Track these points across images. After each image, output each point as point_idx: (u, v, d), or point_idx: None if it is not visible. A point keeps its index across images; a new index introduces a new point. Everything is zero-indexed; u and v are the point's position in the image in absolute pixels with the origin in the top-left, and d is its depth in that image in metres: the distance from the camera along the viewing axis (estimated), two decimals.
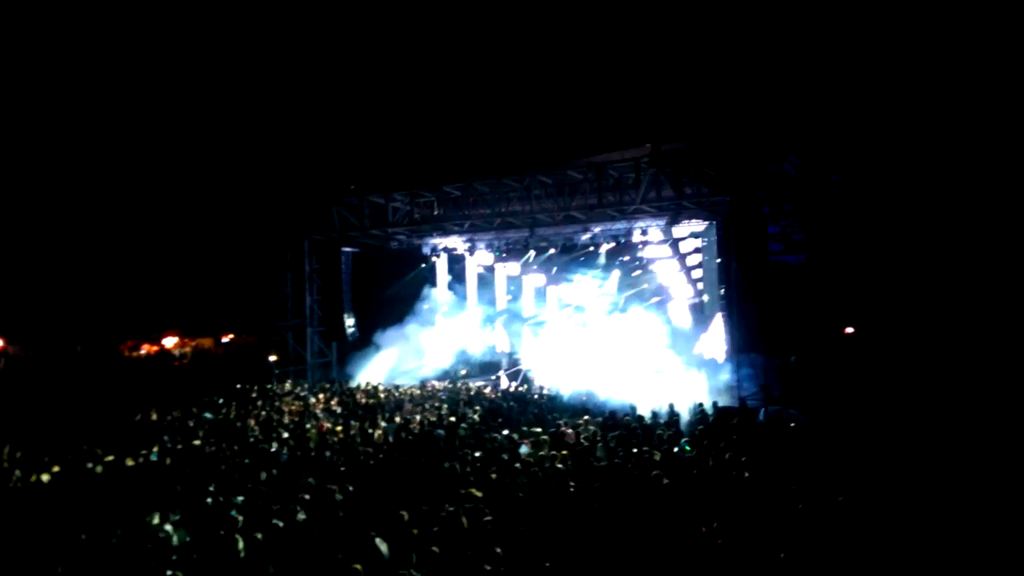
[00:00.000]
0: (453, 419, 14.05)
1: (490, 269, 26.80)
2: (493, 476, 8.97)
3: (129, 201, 29.08)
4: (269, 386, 21.17)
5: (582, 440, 11.64)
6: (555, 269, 26.08)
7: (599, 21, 20.17)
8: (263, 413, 16.10)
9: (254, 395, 19.27)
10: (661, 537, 7.01)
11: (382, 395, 18.86)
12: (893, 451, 10.52)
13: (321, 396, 18.73)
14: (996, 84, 15.56)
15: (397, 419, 14.73)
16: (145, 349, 40.54)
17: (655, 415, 14.60)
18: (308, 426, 14.18)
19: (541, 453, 10.43)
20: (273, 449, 12.03)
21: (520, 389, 20.00)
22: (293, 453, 11.72)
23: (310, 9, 21.10)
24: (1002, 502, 8.00)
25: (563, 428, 12.68)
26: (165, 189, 28.35)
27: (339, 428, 13.85)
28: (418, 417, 14.96)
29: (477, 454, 10.35)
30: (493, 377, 22.92)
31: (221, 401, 17.62)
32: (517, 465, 9.47)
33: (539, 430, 12.37)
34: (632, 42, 19.89)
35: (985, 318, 16.14)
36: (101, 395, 20.53)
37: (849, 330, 18.62)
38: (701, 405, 15.39)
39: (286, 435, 13.19)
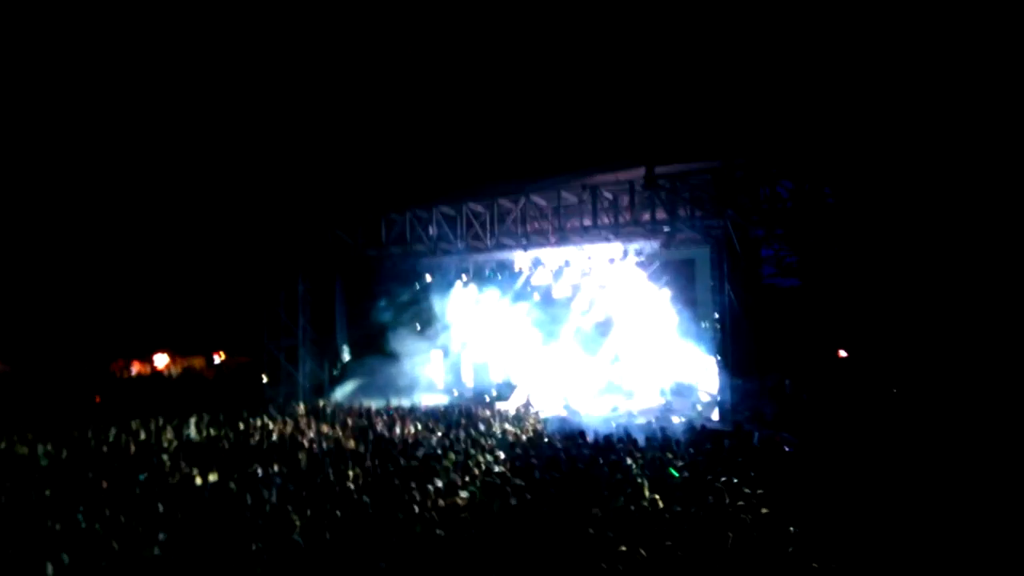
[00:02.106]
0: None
1: (484, 288, 26.76)
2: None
3: (122, 219, 28.98)
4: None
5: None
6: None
7: (594, 44, 20.39)
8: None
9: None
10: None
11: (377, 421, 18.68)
12: (888, 474, 10.45)
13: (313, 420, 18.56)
14: (989, 108, 15.72)
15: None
16: (136, 368, 40.16)
17: (649, 439, 14.48)
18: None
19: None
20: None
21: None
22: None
23: (306, 32, 21.28)
24: (998, 526, 7.94)
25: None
26: (159, 208, 28.29)
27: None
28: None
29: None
30: (496, 405, 22.49)
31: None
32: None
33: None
34: (627, 64, 20.09)
35: (980, 341, 16.13)
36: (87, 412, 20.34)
37: (843, 353, 18.60)
38: (693, 427, 15.29)
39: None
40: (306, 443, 14.75)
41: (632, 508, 8.58)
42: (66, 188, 27.82)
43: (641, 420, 18.64)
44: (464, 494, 9.43)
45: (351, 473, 11.23)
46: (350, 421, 18.07)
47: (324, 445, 14.40)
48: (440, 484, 9.94)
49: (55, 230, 29.46)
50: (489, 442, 14.05)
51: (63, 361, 34.36)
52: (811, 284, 17.80)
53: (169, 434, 16.13)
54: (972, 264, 16.31)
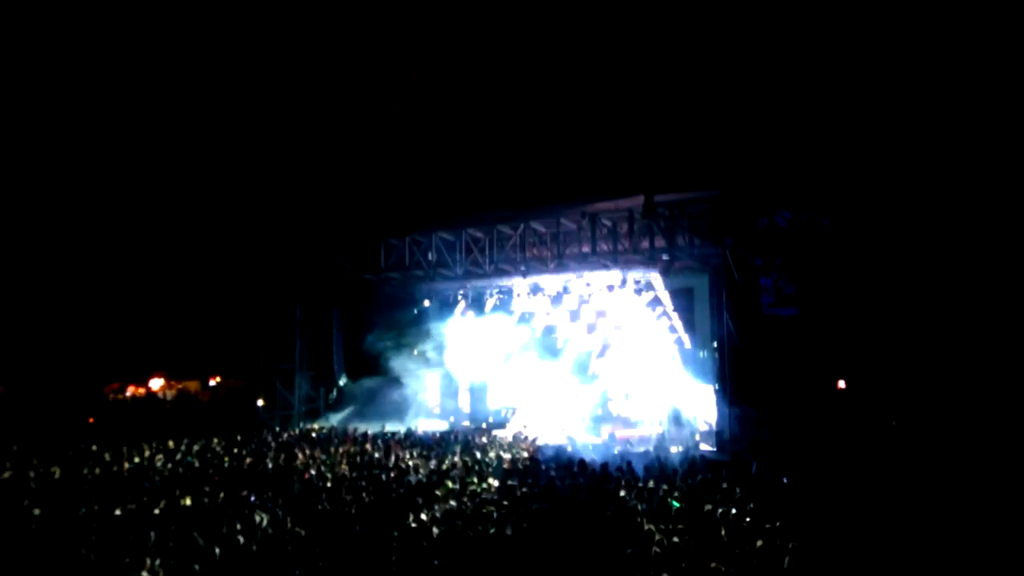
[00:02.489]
0: None
1: (482, 314, 26.74)
2: None
3: (118, 243, 29.02)
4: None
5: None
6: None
7: (593, 72, 20.63)
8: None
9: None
10: None
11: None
12: (885, 505, 10.33)
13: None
14: (985, 139, 15.87)
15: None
16: (131, 391, 39.91)
17: (647, 468, 14.33)
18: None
19: None
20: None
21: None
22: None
23: (308, 56, 21.52)
24: (997, 557, 7.84)
25: None
26: (156, 232, 28.34)
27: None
28: None
29: None
30: (493, 432, 22.26)
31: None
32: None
33: None
34: (628, 94, 20.31)
35: (980, 371, 16.08)
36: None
37: (841, 384, 18.51)
38: (692, 457, 15.14)
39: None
40: (300, 467, 14.58)
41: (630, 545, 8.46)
42: (65, 211, 27.88)
43: (639, 449, 18.47)
44: (458, 522, 9.28)
45: (345, 499, 11.08)
46: (344, 448, 17.89)
47: (318, 471, 14.23)
48: (435, 512, 9.80)
49: (54, 253, 29.47)
50: (485, 470, 13.88)
51: (58, 383, 34.13)
52: (809, 314, 17.77)
53: (161, 458, 15.94)
54: (971, 294, 16.32)
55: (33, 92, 23.71)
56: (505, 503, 10.40)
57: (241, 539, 8.72)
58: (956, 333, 16.53)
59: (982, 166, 16.00)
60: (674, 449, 18.11)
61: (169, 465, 14.89)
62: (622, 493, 11.21)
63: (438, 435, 20.31)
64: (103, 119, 24.57)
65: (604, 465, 13.92)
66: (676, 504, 10.36)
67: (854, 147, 17.02)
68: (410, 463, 15.02)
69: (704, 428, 20.42)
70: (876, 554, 7.92)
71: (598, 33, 20.80)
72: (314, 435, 20.04)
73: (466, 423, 24.07)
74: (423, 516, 9.44)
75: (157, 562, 7.73)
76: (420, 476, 13.36)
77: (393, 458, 15.92)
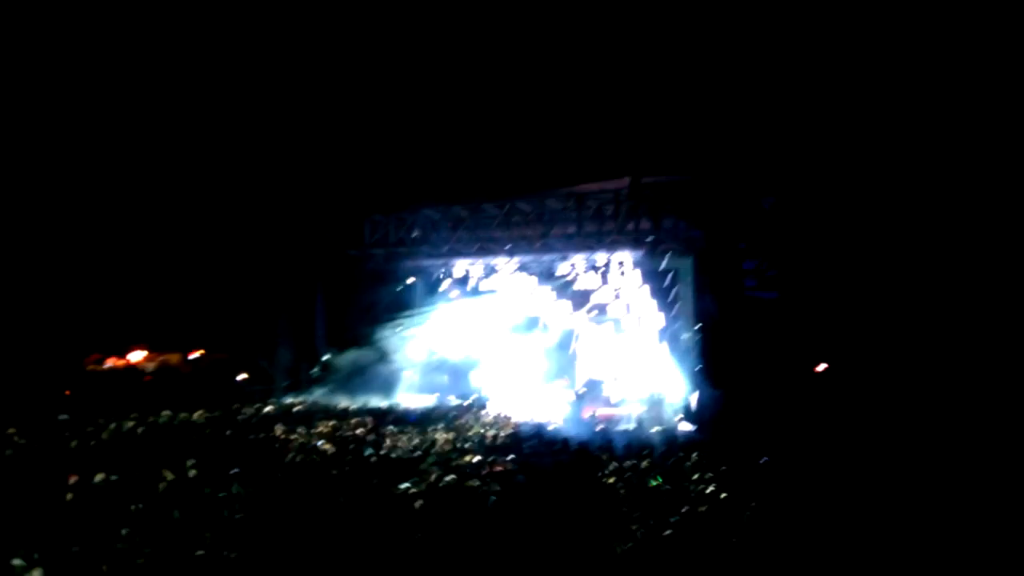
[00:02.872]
0: None
1: (467, 293, 26.73)
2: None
3: (102, 214, 28.59)
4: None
5: None
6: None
7: (582, 54, 20.51)
8: None
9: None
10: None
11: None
12: (863, 487, 10.53)
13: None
14: (969, 124, 16.01)
15: None
16: (111, 363, 39.51)
17: (628, 447, 14.48)
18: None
19: None
20: None
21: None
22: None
23: (300, 37, 21.20)
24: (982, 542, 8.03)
25: None
26: (140, 205, 27.94)
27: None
28: None
29: None
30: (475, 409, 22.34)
31: None
32: None
33: None
34: (615, 76, 20.22)
35: (961, 354, 16.35)
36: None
37: (821, 367, 18.77)
38: (672, 436, 15.32)
39: None
40: (280, 442, 14.59)
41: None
42: (47, 185, 27.40)
43: (620, 428, 18.67)
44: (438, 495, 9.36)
45: (329, 473, 11.12)
46: (326, 424, 17.89)
47: (300, 447, 14.23)
48: (419, 486, 9.86)
49: (34, 226, 28.99)
50: (467, 445, 13.97)
51: (36, 354, 33.73)
52: (790, 297, 17.96)
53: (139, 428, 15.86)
54: (954, 277, 16.55)
55: (32, 73, 23.22)
56: (489, 478, 10.52)
57: (224, 512, 8.74)
58: (939, 317, 16.78)
59: (965, 149, 16.15)
60: (654, 429, 18.30)
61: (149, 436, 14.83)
62: (602, 471, 11.37)
63: (420, 411, 20.37)
64: (92, 99, 24.11)
65: (585, 443, 14.06)
66: (655, 482, 10.53)
67: (839, 132, 17.11)
68: (392, 440, 15.07)
69: (684, 409, 20.63)
70: (853, 534, 8.09)
71: (586, 17, 20.65)
72: (295, 411, 19.98)
73: (451, 399, 24.13)
74: (406, 488, 9.51)
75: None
76: (401, 452, 13.43)
77: (374, 434, 15.97)
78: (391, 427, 16.91)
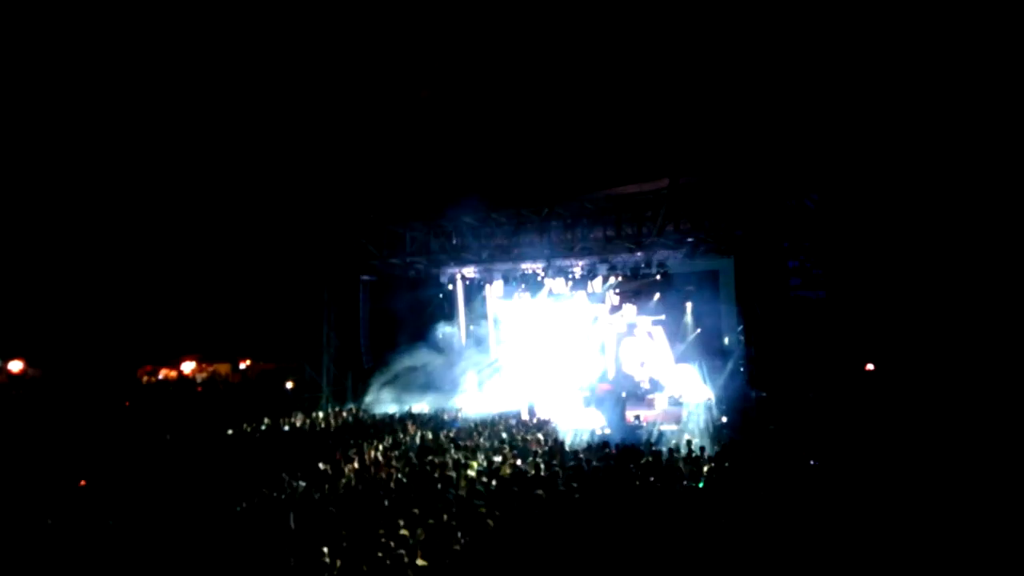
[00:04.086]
0: None
1: (507, 297, 26.94)
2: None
3: (151, 228, 29.55)
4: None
5: None
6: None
7: (618, 55, 20.44)
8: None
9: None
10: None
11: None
12: (913, 489, 10.30)
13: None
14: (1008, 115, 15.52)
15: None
16: (163, 374, 40.85)
17: (672, 451, 14.40)
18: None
19: None
20: None
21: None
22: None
23: (332, 48, 21.58)
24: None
25: None
26: (187, 216, 28.80)
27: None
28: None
29: None
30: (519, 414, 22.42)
31: None
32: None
33: None
34: (652, 76, 20.10)
35: (1009, 353, 15.84)
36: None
37: (870, 367, 18.37)
38: (716, 439, 15.19)
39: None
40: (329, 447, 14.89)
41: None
42: (103, 201, 28.43)
43: (666, 428, 18.59)
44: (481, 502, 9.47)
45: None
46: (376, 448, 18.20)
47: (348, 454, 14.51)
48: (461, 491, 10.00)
49: (89, 240, 30.12)
50: (513, 451, 14.06)
51: (92, 367, 35.02)
52: (838, 296, 17.62)
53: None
54: (1003, 275, 16.05)
55: (70, 82, 24.12)
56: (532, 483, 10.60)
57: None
58: (986, 315, 16.29)
59: (1011, 144, 15.66)
60: (699, 432, 18.15)
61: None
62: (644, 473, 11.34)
63: (471, 422, 20.23)
64: (130, 108, 24.93)
65: (629, 447, 14.03)
66: (698, 486, 10.48)
67: (883, 128, 16.73)
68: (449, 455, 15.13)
69: (729, 412, 20.40)
70: (898, 534, 7.95)
71: (622, 18, 20.57)
72: (342, 416, 20.33)
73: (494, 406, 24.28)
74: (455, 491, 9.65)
75: None
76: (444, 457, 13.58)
77: (419, 440, 16.16)
78: (428, 434, 17.06)
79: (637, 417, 20.68)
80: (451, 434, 16.41)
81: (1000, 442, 13.54)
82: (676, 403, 21.86)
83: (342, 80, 22.47)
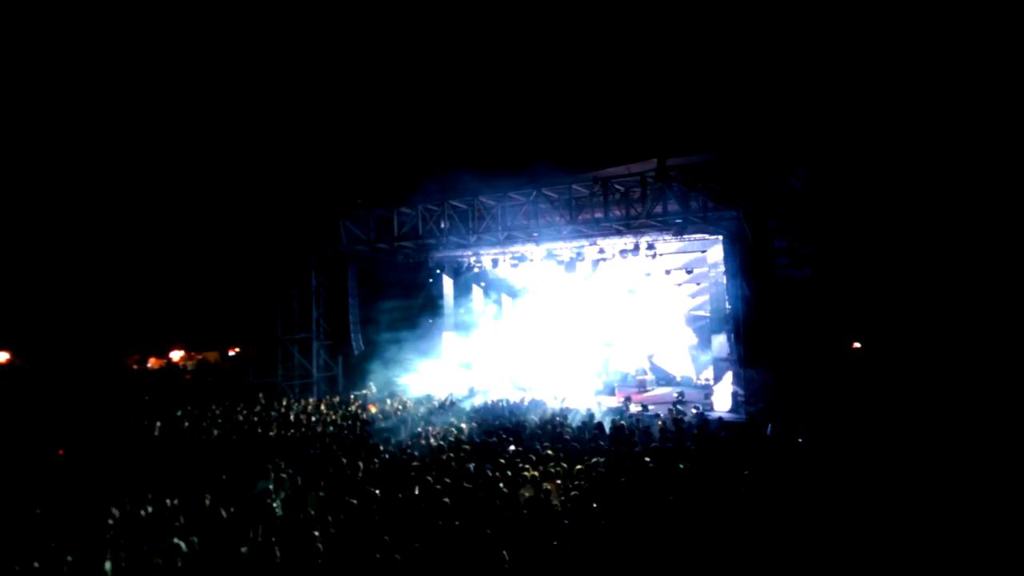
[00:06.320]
0: None
1: (496, 280, 26.93)
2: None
3: (137, 216, 29.28)
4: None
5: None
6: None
7: (604, 39, 20.33)
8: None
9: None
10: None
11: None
12: (900, 467, 10.42)
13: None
14: (1005, 100, 15.57)
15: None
16: (152, 362, 40.67)
17: (663, 431, 14.50)
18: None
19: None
20: None
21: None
22: None
23: (320, 30, 21.34)
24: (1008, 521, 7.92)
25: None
26: (173, 204, 28.55)
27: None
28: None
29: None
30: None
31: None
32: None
33: None
34: (638, 58, 20.02)
35: (995, 334, 16.01)
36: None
37: (856, 345, 18.50)
38: (706, 419, 15.29)
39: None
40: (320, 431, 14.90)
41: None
42: (85, 189, 28.13)
43: (657, 409, 18.72)
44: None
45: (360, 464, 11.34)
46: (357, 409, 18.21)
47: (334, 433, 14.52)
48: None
49: (72, 230, 29.82)
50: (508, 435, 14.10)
51: (80, 358, 34.81)
52: (824, 274, 17.68)
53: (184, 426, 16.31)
54: (989, 255, 16.17)
55: (57, 86, 23.78)
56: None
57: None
58: (973, 294, 16.43)
59: (995, 127, 15.73)
60: (690, 411, 18.29)
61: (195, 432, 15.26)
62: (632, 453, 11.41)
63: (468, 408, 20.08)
64: (116, 97, 24.61)
65: (621, 427, 14.11)
66: (683, 466, 10.57)
67: (870, 106, 16.74)
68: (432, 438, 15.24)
69: (718, 390, 20.56)
70: (886, 515, 8.03)
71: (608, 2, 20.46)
72: (332, 403, 20.28)
73: (485, 391, 24.34)
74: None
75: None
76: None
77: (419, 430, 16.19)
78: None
79: (627, 399, 20.84)
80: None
81: (984, 415, 13.73)
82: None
83: (326, 66, 22.24)
